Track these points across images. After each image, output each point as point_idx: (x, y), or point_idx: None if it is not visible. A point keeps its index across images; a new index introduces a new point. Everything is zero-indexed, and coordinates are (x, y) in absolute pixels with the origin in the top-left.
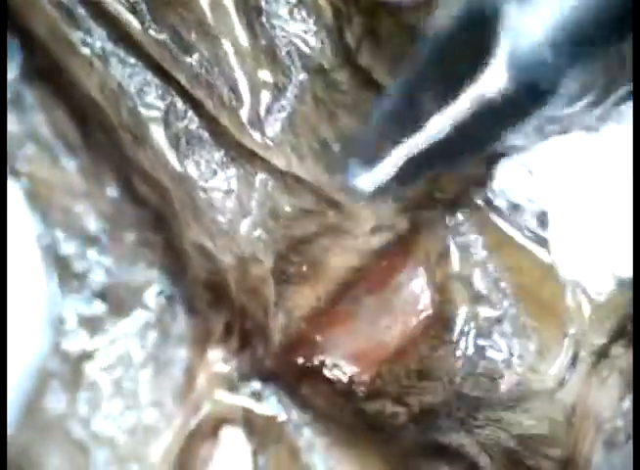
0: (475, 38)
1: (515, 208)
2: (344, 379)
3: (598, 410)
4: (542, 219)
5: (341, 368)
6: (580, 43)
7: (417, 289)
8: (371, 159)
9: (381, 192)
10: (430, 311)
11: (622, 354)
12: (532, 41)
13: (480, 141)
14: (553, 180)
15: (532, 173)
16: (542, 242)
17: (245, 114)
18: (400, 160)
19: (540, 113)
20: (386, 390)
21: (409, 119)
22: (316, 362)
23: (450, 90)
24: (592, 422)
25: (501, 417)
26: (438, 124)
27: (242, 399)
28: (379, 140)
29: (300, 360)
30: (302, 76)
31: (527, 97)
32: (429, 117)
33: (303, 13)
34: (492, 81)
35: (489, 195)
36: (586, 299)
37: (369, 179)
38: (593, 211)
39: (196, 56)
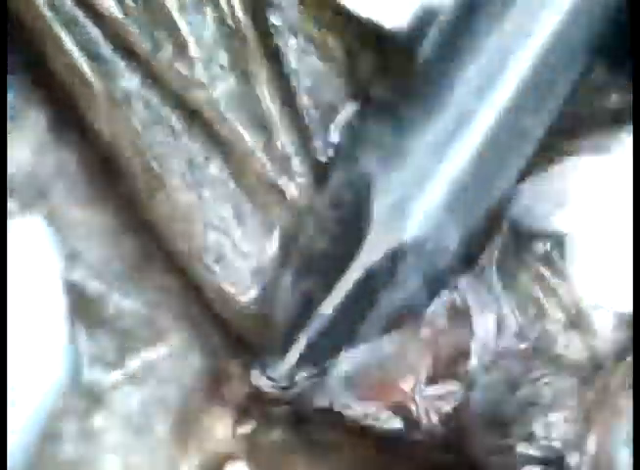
0: (353, 211)
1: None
2: (357, 415)
3: None
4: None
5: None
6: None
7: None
8: (278, 350)
9: (295, 373)
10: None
11: None
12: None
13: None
14: (568, 204)
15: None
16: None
17: (267, 155)
18: (302, 346)
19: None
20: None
21: (303, 307)
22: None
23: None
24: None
25: None
26: (329, 304)
27: (246, 434)
28: (283, 333)
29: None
30: (315, 113)
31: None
32: (320, 301)
33: (314, 52)
34: (371, 251)
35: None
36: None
37: (282, 369)
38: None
39: (220, 92)
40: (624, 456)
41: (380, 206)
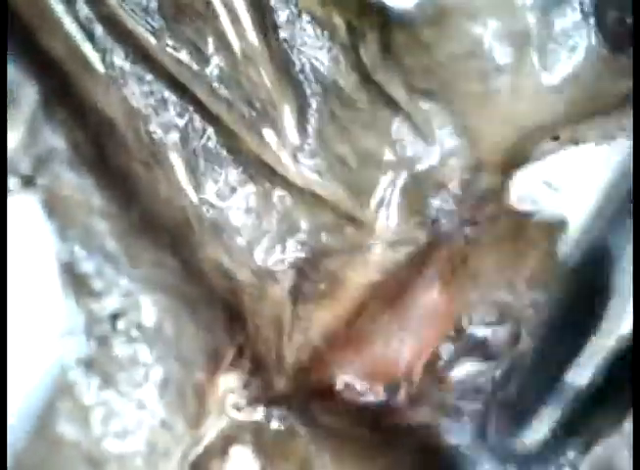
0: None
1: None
2: (358, 397)
3: None
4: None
5: (354, 387)
6: None
7: (432, 303)
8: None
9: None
10: (446, 325)
11: None
12: None
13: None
14: (569, 189)
15: (548, 183)
16: None
17: (263, 129)
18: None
19: None
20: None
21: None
22: (330, 382)
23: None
24: None
25: None
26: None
27: (251, 419)
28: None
29: (314, 380)
30: (319, 94)
31: None
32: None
33: (317, 30)
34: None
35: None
36: None
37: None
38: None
39: (214, 70)
40: None
41: (621, 279)
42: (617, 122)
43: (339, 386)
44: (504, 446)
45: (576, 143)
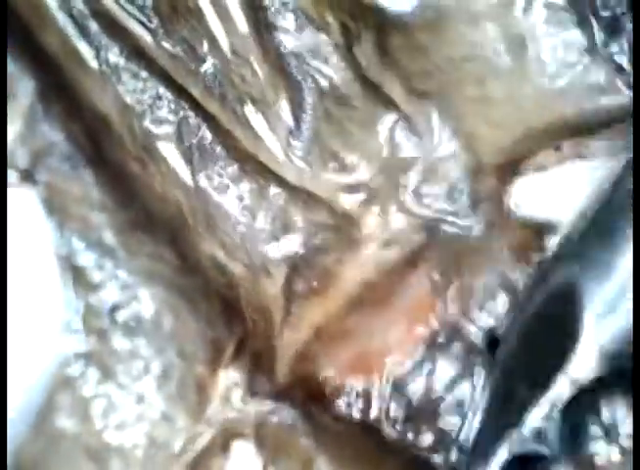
0: (559, 322)
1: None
2: (350, 400)
3: None
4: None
5: (345, 390)
6: None
7: (421, 299)
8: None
9: None
10: (434, 321)
11: None
12: (619, 324)
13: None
14: (567, 197)
15: (546, 190)
16: None
17: (258, 127)
18: (505, 455)
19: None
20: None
21: (507, 413)
22: (319, 379)
23: (541, 377)
24: None
25: None
26: (536, 415)
27: (253, 414)
28: (485, 438)
29: (306, 376)
30: (313, 92)
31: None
32: (525, 410)
33: (312, 29)
34: (584, 366)
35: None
36: None
37: None
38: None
39: (208, 68)
40: None
41: (590, 318)
42: (621, 137)
43: (329, 389)
44: None
45: (580, 157)
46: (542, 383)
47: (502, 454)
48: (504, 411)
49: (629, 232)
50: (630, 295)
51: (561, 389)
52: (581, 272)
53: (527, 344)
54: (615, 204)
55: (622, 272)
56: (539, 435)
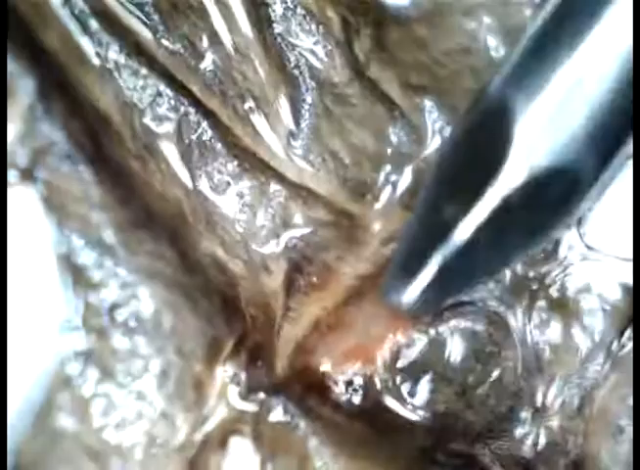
0: (489, 136)
1: None
2: (350, 390)
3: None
4: None
5: (345, 381)
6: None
7: None
8: (408, 274)
9: (426, 303)
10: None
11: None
12: (548, 133)
13: (517, 238)
14: None
15: None
16: None
17: (258, 124)
18: (433, 272)
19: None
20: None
21: (435, 230)
22: (319, 371)
23: (471, 193)
24: (605, 421)
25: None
26: (464, 231)
27: (250, 411)
28: (411, 256)
29: (305, 370)
30: (313, 89)
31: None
32: (453, 226)
33: (312, 25)
34: (512, 177)
35: None
36: None
37: (410, 293)
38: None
39: (209, 65)
40: None
41: (521, 131)
42: None
43: (329, 380)
44: None
45: None
46: (470, 198)
47: (429, 269)
48: (430, 228)
49: (564, 40)
50: (568, 110)
51: (488, 202)
52: (512, 87)
53: (455, 162)
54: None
55: (558, 85)
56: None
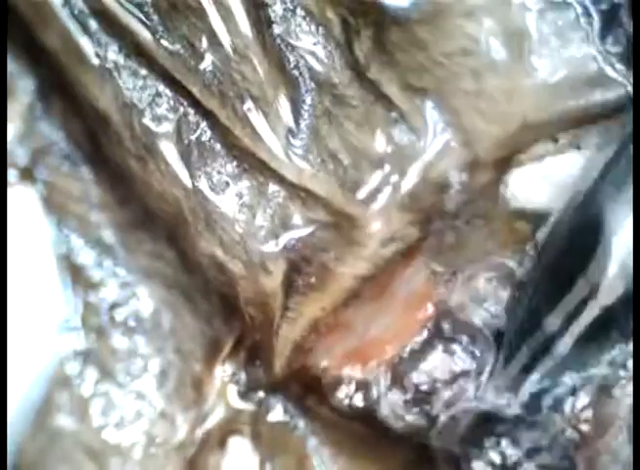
0: (585, 247)
1: None
2: (348, 391)
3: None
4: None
5: (343, 381)
6: None
7: (418, 291)
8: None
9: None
10: (429, 314)
11: None
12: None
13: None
14: (564, 187)
15: (544, 181)
16: None
17: (257, 124)
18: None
19: None
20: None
21: (535, 339)
22: (317, 371)
23: (568, 303)
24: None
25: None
26: (563, 344)
27: (249, 410)
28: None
29: (303, 369)
30: (312, 90)
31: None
32: (553, 337)
33: (312, 26)
34: (611, 291)
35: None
36: None
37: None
38: None
39: (208, 65)
40: None
41: (618, 242)
42: (620, 128)
43: (327, 381)
44: None
45: (577, 148)
46: (570, 310)
47: (533, 381)
48: (531, 340)
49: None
50: None
51: (589, 314)
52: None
53: (552, 277)
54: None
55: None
56: None
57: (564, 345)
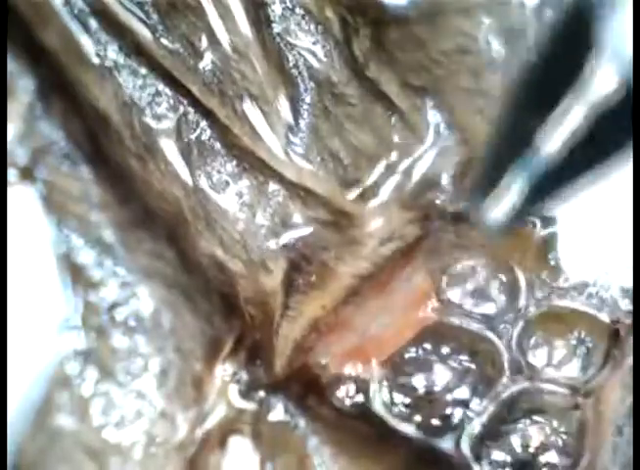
0: (575, 42)
1: None
2: (348, 389)
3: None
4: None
5: (344, 380)
6: None
7: (416, 290)
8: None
9: (513, 216)
10: (428, 313)
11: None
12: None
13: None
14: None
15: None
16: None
17: (257, 123)
18: (519, 182)
19: None
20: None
21: (521, 139)
22: (318, 370)
23: (553, 99)
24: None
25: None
26: (552, 139)
27: (250, 410)
28: (496, 167)
29: (303, 368)
30: (312, 89)
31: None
32: (539, 134)
33: (311, 25)
34: (603, 85)
35: None
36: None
37: (498, 209)
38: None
39: (207, 64)
40: None
41: (611, 36)
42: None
43: (327, 380)
44: None
45: None
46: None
47: (516, 183)
48: (511, 142)
49: None
50: None
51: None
52: None
53: (534, 71)
54: None
55: None
56: None
57: (550, 149)
